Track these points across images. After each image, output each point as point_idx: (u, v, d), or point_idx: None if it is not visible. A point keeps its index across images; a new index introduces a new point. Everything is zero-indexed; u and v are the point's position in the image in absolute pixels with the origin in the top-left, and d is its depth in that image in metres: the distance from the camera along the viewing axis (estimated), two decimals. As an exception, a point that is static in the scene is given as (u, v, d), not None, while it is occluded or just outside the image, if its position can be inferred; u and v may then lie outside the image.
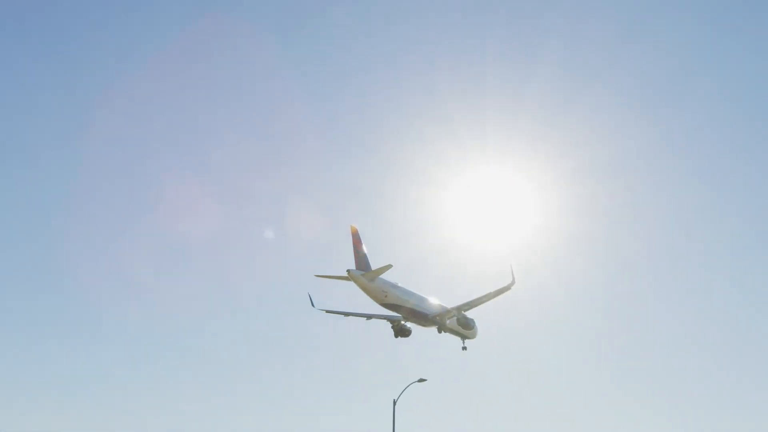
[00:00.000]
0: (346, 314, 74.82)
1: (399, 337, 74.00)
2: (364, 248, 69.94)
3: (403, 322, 73.61)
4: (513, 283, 68.38)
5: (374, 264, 69.61)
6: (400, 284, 71.22)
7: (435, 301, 73.01)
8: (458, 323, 72.57)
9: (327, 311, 74.95)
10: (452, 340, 77.95)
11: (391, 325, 74.09)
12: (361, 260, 69.62)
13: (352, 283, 69.88)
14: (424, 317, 71.93)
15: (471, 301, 71.37)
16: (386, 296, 69.87)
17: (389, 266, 68.14)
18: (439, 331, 73.37)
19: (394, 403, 56.07)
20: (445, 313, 71.96)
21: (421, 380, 57.40)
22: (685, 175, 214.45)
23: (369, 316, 74.22)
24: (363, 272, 68.90)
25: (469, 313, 74.67)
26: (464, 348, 75.53)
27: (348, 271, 69.10)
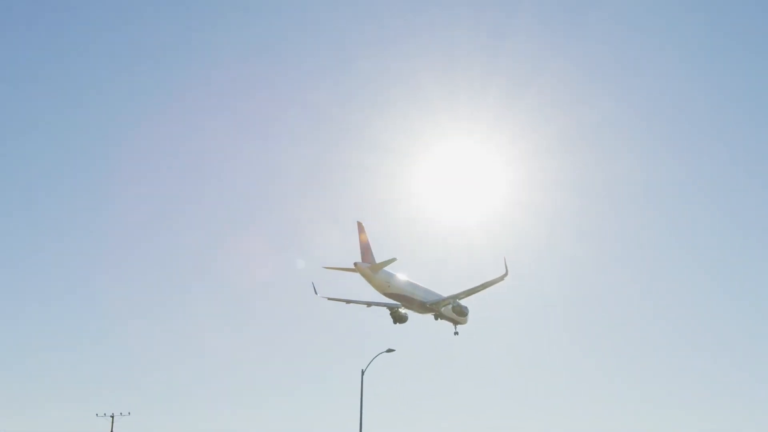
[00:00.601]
0: (348, 302, 79.74)
1: (397, 323, 79.34)
2: (369, 242, 74.77)
3: (400, 310, 78.92)
4: (506, 274, 73.93)
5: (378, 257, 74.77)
6: (400, 275, 76.42)
7: (433, 290, 78.48)
8: (453, 311, 78.22)
9: (329, 298, 79.74)
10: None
11: (389, 312, 79.30)
12: (367, 253, 74.47)
13: (357, 275, 74.84)
14: (422, 305, 77.39)
15: (466, 291, 77.02)
16: (389, 286, 75.02)
17: (393, 259, 73.46)
18: (436, 318, 79.05)
19: (362, 373, 58.28)
20: (442, 301, 77.53)
21: (389, 350, 59.85)
22: (654, 146, 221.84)
23: (369, 304, 79.28)
24: (369, 264, 73.84)
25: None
26: (456, 333, 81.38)
27: (355, 263, 73.94)
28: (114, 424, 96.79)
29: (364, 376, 58.46)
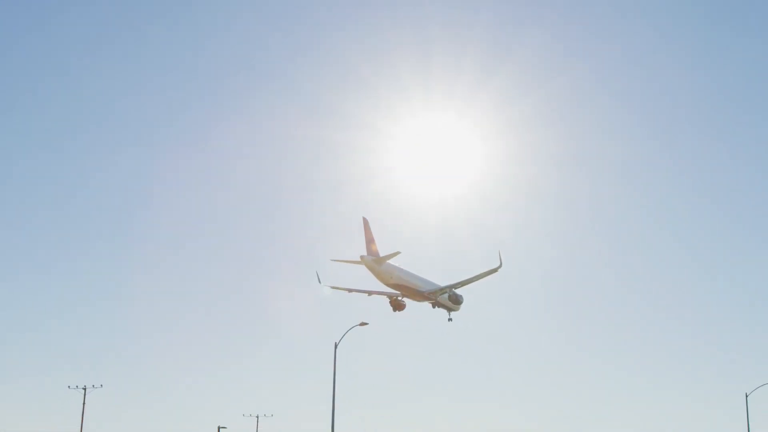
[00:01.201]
0: (350, 290, 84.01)
1: (396, 311, 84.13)
2: (374, 237, 79.25)
3: (400, 298, 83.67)
4: (500, 266, 78.88)
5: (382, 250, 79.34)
6: (402, 266, 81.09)
7: (431, 280, 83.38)
8: (449, 299, 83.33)
9: (332, 287, 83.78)
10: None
11: (389, 300, 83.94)
12: (371, 247, 78.95)
13: (362, 267, 79.34)
14: (421, 294, 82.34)
15: (461, 281, 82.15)
16: (392, 278, 79.71)
17: (398, 253, 78.21)
18: (433, 306, 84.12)
19: (336, 346, 58.12)
20: (439, 290, 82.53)
21: (362, 324, 59.86)
22: (631, 119, 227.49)
23: (370, 293, 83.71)
24: (373, 257, 78.32)
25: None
26: (450, 319, 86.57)
27: (361, 257, 78.34)
28: (86, 396, 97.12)
29: (337, 349, 59.07)
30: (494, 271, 79.42)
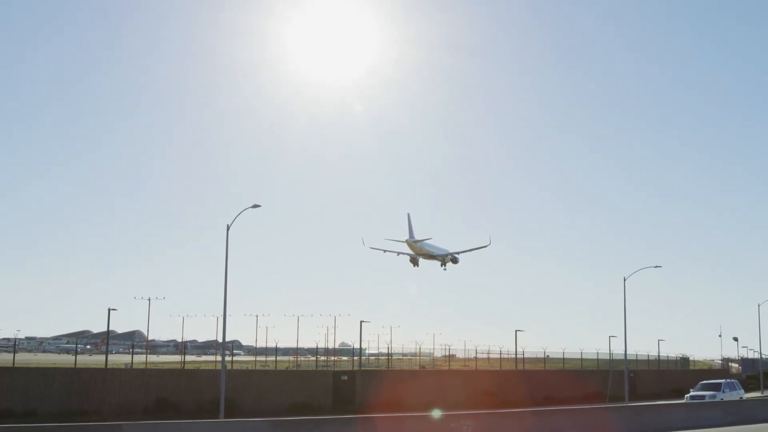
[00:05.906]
0: (385, 251, 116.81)
1: (415, 266, 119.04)
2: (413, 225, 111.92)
3: (417, 258, 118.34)
4: (489, 244, 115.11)
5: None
6: (429, 241, 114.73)
7: (443, 247, 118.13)
8: (451, 260, 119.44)
9: (371, 248, 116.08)
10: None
11: (409, 259, 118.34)
12: (411, 231, 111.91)
13: (403, 244, 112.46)
14: (435, 258, 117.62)
15: (463, 250, 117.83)
16: (421, 250, 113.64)
17: (430, 238, 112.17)
18: (441, 265, 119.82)
19: (228, 228, 57.30)
20: (447, 255, 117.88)
21: (255, 206, 58.55)
22: (526, 5, 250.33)
23: (399, 253, 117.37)
24: (414, 239, 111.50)
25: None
26: (445, 269, 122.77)
27: (406, 240, 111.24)
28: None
29: (229, 231, 56.85)
30: (484, 247, 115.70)
